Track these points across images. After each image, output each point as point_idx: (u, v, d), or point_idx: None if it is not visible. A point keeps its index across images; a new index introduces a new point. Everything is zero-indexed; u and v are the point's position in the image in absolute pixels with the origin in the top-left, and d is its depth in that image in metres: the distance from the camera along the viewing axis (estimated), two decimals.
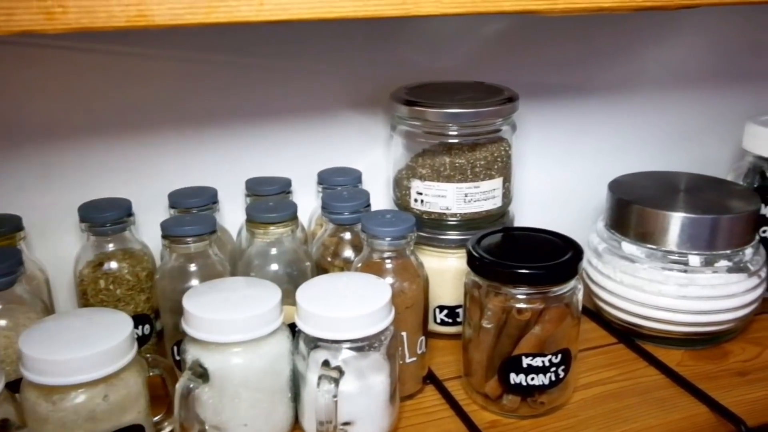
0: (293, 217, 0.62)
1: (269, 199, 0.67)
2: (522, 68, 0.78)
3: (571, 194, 0.84)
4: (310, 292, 0.55)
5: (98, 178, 0.68)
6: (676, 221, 0.65)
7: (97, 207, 0.63)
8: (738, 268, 0.65)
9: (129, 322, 0.50)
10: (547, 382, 0.58)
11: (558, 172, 0.84)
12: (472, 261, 0.59)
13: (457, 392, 0.63)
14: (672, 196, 0.69)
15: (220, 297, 0.54)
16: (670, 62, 0.84)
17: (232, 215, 0.72)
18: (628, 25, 0.81)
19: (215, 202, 0.68)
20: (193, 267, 0.60)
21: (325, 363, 0.52)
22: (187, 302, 0.53)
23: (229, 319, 0.51)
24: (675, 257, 0.66)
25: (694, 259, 0.65)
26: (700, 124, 0.88)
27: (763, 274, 0.67)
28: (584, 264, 0.66)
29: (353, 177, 0.72)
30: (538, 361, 0.57)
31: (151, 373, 0.53)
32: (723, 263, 0.65)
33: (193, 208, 0.66)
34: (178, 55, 0.68)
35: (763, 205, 0.70)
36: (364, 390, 0.53)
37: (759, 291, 0.67)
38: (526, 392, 0.58)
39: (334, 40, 0.71)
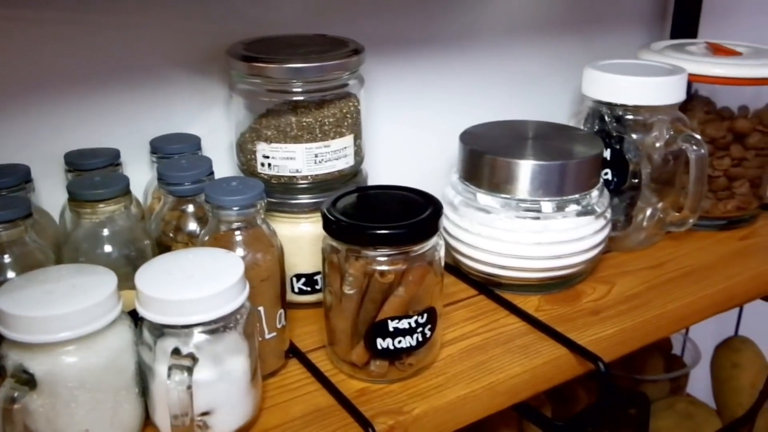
0: (125, 192, 0.56)
1: (95, 173, 0.59)
2: (363, 19, 0.75)
3: (423, 147, 0.83)
4: (152, 274, 0.49)
5: None
6: (527, 169, 0.65)
7: None
8: (586, 212, 0.67)
9: None
10: (414, 343, 0.56)
11: (409, 126, 0.82)
12: (328, 225, 0.55)
13: (322, 363, 0.60)
14: (521, 144, 0.69)
15: (43, 289, 0.47)
16: (510, 9, 0.84)
17: (51, 194, 0.63)
18: None
19: (29, 180, 0.59)
20: (6, 258, 0.52)
21: (175, 351, 0.47)
22: (1, 299, 0.45)
23: (55, 315, 0.44)
24: (528, 205, 0.66)
25: (547, 206, 0.66)
26: (541, 71, 0.89)
27: (608, 215, 0.70)
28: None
29: (191, 144, 0.65)
30: (404, 323, 0.55)
31: None
32: (573, 207, 0.66)
33: (0, 189, 0.57)
34: None
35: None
36: (223, 375, 0.49)
37: (605, 232, 0.69)
38: (393, 356, 0.56)
39: None
